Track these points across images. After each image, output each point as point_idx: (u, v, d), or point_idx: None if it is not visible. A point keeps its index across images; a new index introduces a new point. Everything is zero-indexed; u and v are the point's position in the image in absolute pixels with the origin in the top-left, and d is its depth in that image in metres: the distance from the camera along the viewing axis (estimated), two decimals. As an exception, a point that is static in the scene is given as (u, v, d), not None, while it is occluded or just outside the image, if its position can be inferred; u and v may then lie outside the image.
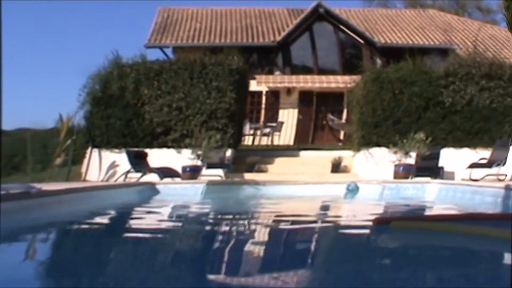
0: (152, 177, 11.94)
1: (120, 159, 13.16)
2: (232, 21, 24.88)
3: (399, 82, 13.72)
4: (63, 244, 5.14)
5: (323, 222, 7.13)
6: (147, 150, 13.16)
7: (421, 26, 24.66)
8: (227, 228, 6.36)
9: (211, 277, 3.52)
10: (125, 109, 13.81)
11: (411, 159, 12.24)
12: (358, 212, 8.78)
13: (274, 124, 20.20)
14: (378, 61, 22.38)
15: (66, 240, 5.37)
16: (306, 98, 22.40)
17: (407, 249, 4.72)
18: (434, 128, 13.35)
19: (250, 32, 23.69)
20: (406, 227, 5.08)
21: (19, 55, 37.36)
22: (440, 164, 12.27)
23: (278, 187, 11.05)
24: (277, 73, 23.27)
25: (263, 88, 22.16)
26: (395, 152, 12.27)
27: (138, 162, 12.48)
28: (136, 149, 13.15)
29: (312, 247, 4.92)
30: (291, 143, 20.67)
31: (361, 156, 14.03)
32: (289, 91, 22.53)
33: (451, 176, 12.44)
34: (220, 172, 12.85)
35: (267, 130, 19.62)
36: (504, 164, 11.77)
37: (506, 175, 11.81)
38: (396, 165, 12.11)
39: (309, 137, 21.85)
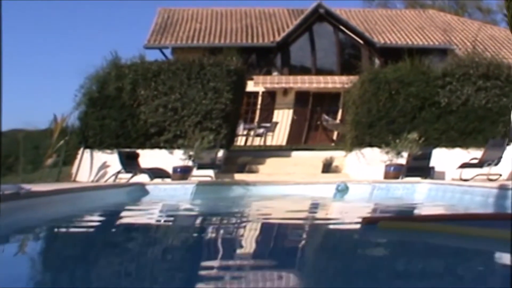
0: (142, 178, 11.95)
1: (112, 159, 13.16)
2: (232, 22, 24.89)
3: (396, 83, 13.68)
4: (51, 245, 5.16)
5: (311, 222, 7.16)
6: (139, 151, 13.14)
7: (420, 27, 24.60)
8: (215, 228, 6.39)
9: (199, 277, 3.52)
10: (121, 109, 13.80)
11: (403, 159, 12.20)
12: (347, 212, 8.79)
13: (268, 125, 20.20)
14: (377, 61, 22.34)
15: (54, 241, 5.40)
16: (302, 99, 22.37)
17: (393, 248, 4.76)
18: (428, 128, 13.30)
19: (250, 33, 23.70)
20: (394, 227, 5.13)
21: (17, 55, 37.48)
22: (432, 164, 12.21)
23: (268, 187, 11.06)
24: (275, 73, 23.25)
25: (260, 89, 22.15)
26: (387, 152, 12.23)
27: (129, 162, 12.48)
28: (128, 149, 13.15)
29: (299, 247, 4.94)
30: (284, 143, 20.65)
31: (353, 156, 13.99)
32: (285, 91, 22.51)
33: (441, 176, 12.38)
34: (211, 172, 12.83)
35: (261, 130, 19.61)
36: (496, 164, 11.72)
37: (499, 175, 11.76)
38: (387, 165, 12.06)
39: (302, 137, 21.83)
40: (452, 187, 9.70)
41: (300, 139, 21.53)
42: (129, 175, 12.27)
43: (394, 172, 11.80)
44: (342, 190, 10.37)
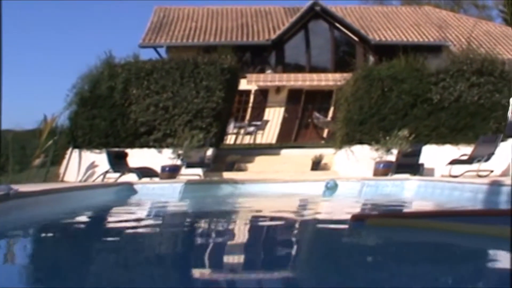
0: (130, 177, 11.89)
1: (100, 159, 13.08)
2: (228, 20, 24.84)
3: (389, 80, 13.61)
4: (39, 245, 5.12)
5: (300, 220, 7.14)
6: (128, 150, 13.08)
7: (416, 23, 24.53)
8: (203, 227, 6.40)
9: (187, 276, 3.53)
10: (111, 109, 13.72)
11: (392, 156, 12.12)
12: (335, 210, 8.82)
13: (258, 123, 20.08)
14: (371, 58, 22.26)
15: (42, 242, 5.34)
16: (294, 97, 22.34)
17: (381, 245, 4.78)
18: (419, 125, 13.21)
19: (245, 31, 23.65)
20: (382, 224, 5.16)
21: (14, 55, 37.39)
22: (421, 160, 12.15)
23: (257, 185, 11.02)
24: (269, 71, 23.18)
25: (252, 87, 22.09)
26: (377, 150, 12.16)
27: (118, 162, 12.41)
28: (116, 149, 13.07)
29: (288, 245, 4.95)
30: (274, 141, 20.58)
31: (342, 153, 13.91)
32: (278, 89, 22.48)
33: (431, 172, 12.33)
34: (199, 171, 12.77)
35: (251, 128, 19.49)
36: (486, 161, 11.63)
37: (490, 171, 11.69)
38: (376, 162, 12.00)
39: (292, 135, 21.78)
40: (441, 183, 9.71)
41: (290, 137, 21.51)
42: (117, 174, 12.20)
43: (384, 169, 11.75)
44: (331, 188, 10.34)
